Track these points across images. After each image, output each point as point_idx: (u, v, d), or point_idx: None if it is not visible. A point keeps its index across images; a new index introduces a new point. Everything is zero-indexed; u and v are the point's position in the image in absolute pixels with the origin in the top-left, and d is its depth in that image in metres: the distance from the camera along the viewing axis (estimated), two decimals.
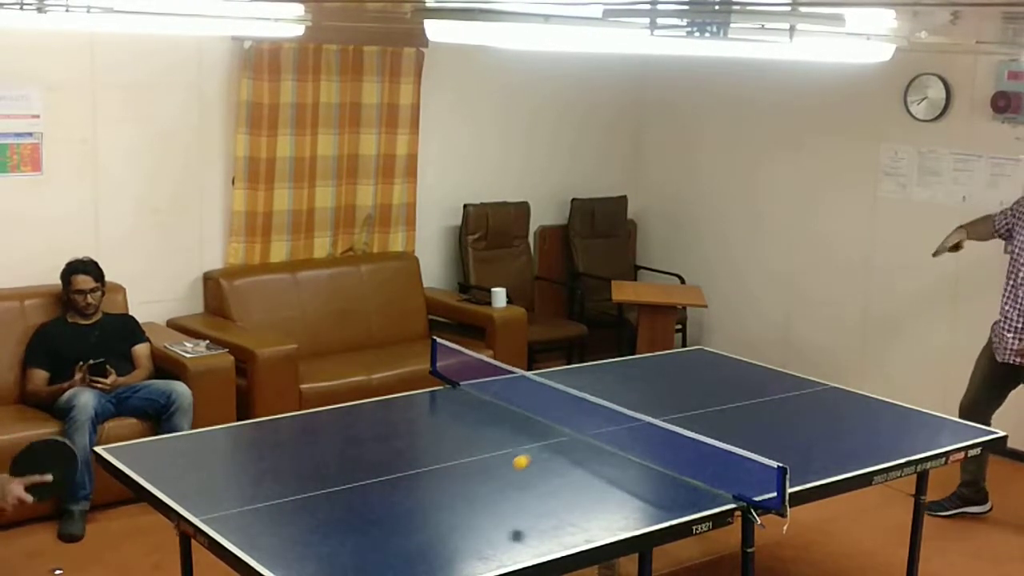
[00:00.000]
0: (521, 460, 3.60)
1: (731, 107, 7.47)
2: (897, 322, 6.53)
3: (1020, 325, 5.08)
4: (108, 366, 5.21)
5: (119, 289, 5.76)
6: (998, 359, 5.19)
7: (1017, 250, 5.15)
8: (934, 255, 5.42)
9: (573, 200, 7.65)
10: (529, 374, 4.83)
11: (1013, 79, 6.09)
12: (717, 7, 2.99)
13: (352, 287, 6.63)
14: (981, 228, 5.38)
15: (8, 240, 5.63)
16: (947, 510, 5.38)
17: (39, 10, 3.93)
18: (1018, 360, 5.10)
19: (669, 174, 7.99)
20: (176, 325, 6.07)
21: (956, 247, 5.38)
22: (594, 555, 3.27)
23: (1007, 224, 5.24)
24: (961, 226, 5.39)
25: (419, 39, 6.44)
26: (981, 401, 5.14)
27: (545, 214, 7.64)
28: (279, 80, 6.24)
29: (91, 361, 5.16)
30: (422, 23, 3.56)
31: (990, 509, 5.47)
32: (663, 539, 3.45)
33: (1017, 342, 5.09)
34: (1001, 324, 5.18)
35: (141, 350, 5.53)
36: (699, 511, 3.44)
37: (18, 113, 5.59)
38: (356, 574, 3.11)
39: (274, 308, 6.30)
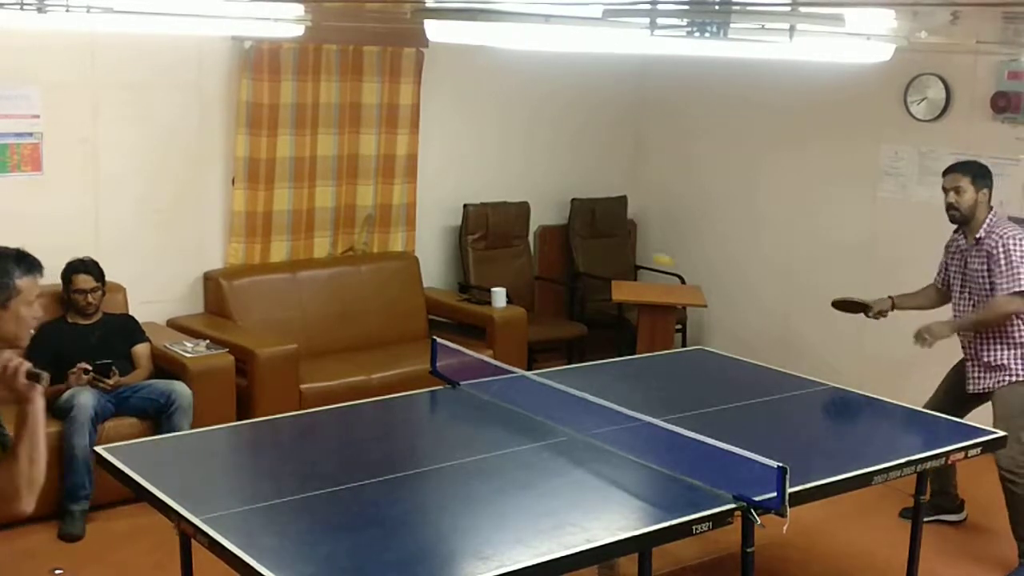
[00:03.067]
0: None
1: (731, 107, 7.48)
2: (897, 322, 6.52)
3: (973, 352, 5.04)
4: (114, 368, 5.21)
5: (119, 289, 5.76)
6: (968, 390, 5.08)
7: (951, 284, 5.13)
8: (840, 306, 5.40)
9: (573, 200, 7.66)
10: (529, 374, 4.83)
11: (1013, 79, 6.10)
12: (717, 7, 2.99)
13: (352, 287, 6.63)
14: (916, 298, 5.34)
15: (8, 240, 5.53)
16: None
17: (39, 10, 3.93)
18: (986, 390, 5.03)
19: (669, 174, 7.99)
20: (176, 325, 6.07)
21: (879, 314, 5.32)
22: (594, 555, 3.27)
23: (944, 273, 5.21)
24: (889, 296, 5.34)
25: (419, 39, 6.44)
26: (941, 412, 5.02)
27: (545, 214, 7.64)
28: (279, 80, 6.24)
29: (98, 362, 5.17)
30: (422, 23, 3.56)
31: (965, 518, 5.44)
32: (663, 539, 3.45)
33: (979, 371, 5.03)
34: (965, 359, 5.11)
35: (141, 350, 5.53)
36: (699, 511, 3.43)
37: (18, 113, 5.59)
38: (356, 574, 3.10)
39: (274, 308, 6.30)
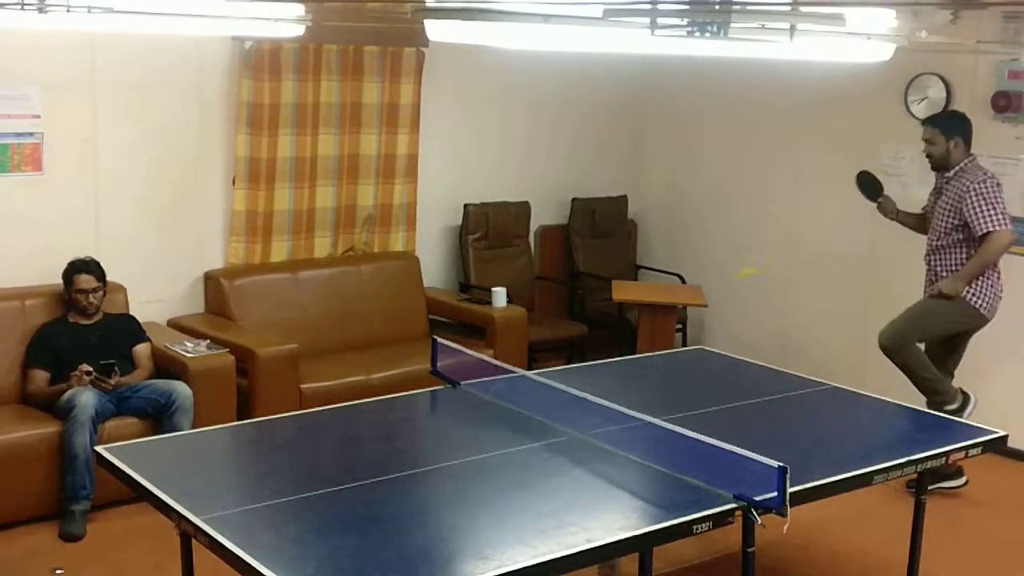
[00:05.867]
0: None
1: (731, 107, 7.47)
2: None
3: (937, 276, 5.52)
4: (117, 368, 5.22)
5: (120, 289, 5.77)
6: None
7: (930, 215, 5.64)
8: (862, 178, 5.90)
9: (573, 200, 7.66)
10: (529, 374, 4.83)
11: (1013, 79, 6.09)
12: (717, 7, 3.00)
13: (352, 287, 6.63)
14: (913, 219, 5.85)
15: (8, 240, 5.64)
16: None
17: (39, 10, 3.93)
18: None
19: (669, 173, 7.99)
20: (177, 325, 6.08)
21: (885, 211, 5.81)
22: (594, 555, 3.27)
23: (929, 205, 5.73)
24: (898, 208, 5.84)
25: (419, 39, 6.44)
26: (937, 358, 5.52)
27: (545, 214, 7.64)
28: (279, 80, 6.24)
29: (101, 363, 5.17)
30: (422, 23, 3.56)
31: (966, 482, 5.59)
32: (663, 539, 3.45)
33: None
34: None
35: (142, 350, 5.53)
36: (699, 511, 3.43)
37: (18, 113, 5.60)
38: (356, 574, 3.10)
39: (274, 308, 6.30)
